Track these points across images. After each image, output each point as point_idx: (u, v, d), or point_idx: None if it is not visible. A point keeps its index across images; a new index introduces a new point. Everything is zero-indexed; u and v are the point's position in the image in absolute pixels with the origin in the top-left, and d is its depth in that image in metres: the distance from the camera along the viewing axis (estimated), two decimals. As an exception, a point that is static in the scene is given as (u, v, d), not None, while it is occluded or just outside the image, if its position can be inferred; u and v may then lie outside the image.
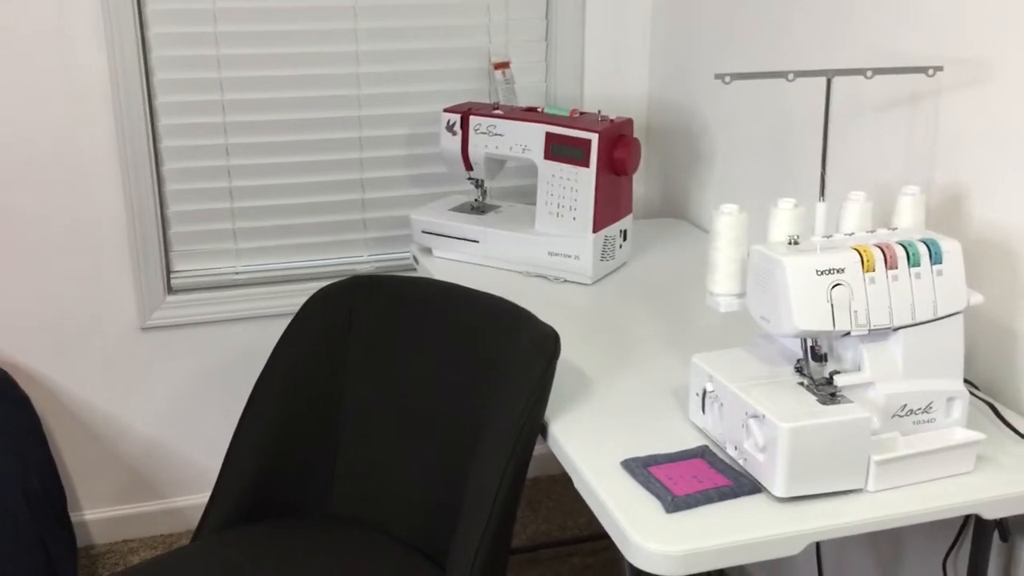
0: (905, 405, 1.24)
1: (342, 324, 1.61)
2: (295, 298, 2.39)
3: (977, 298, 1.28)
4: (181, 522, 2.45)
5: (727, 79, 1.29)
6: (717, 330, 1.69)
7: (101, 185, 2.20)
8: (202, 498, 2.45)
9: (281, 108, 2.28)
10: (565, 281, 1.92)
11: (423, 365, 1.58)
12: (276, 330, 2.40)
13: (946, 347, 1.27)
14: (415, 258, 2.10)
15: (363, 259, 2.43)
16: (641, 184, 2.54)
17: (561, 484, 2.63)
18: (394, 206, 2.42)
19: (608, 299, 1.84)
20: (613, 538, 1.18)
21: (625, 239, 2.00)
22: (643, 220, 2.35)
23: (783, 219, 1.32)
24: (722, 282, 1.34)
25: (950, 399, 1.26)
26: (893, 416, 1.24)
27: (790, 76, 1.31)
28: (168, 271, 2.32)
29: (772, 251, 1.24)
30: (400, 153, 2.39)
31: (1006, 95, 1.40)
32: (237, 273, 2.37)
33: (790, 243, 1.26)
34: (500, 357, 1.45)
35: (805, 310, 1.20)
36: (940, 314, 1.25)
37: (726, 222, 1.32)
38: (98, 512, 2.39)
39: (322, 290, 1.64)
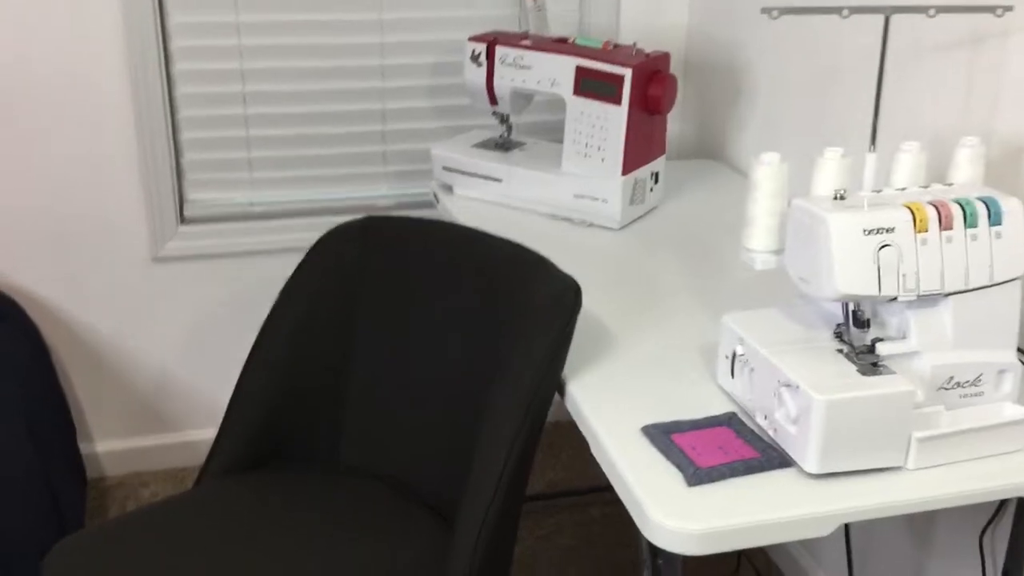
0: (952, 377, 1.15)
1: (352, 265, 1.52)
2: (311, 232, 2.29)
3: (1038, 263, 1.17)
4: (193, 456, 2.41)
5: (775, 13, 1.17)
6: (752, 287, 1.59)
7: (112, 110, 2.11)
8: (212, 432, 2.41)
9: (299, 31, 2.17)
10: (591, 225, 1.82)
11: (436, 312, 1.49)
12: (292, 265, 2.31)
13: (1000, 315, 1.16)
14: (435, 196, 2.01)
15: (382, 194, 2.34)
16: (675, 122, 2.42)
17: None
18: (416, 139, 2.32)
19: (636, 246, 1.74)
20: (629, 511, 1.10)
21: (657, 182, 1.89)
22: (676, 161, 2.23)
23: (829, 170, 1.21)
24: (759, 237, 1.24)
25: (1001, 371, 1.17)
26: (939, 389, 1.14)
27: (844, 12, 1.19)
28: (181, 200, 2.24)
29: (816, 206, 1.13)
30: (423, 83, 2.28)
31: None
32: (252, 205, 2.29)
33: (836, 197, 1.15)
34: (518, 308, 1.36)
35: (849, 272, 1.10)
36: (996, 280, 1.15)
37: (765, 172, 1.22)
38: (109, 444, 2.35)
39: (332, 230, 1.55)
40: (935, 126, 1.54)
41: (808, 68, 1.88)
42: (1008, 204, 1.14)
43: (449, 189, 1.98)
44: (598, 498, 2.32)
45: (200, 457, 2.42)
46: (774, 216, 1.23)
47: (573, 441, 2.52)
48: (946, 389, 1.15)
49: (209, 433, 2.41)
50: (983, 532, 1.48)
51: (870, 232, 1.11)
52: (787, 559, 2.07)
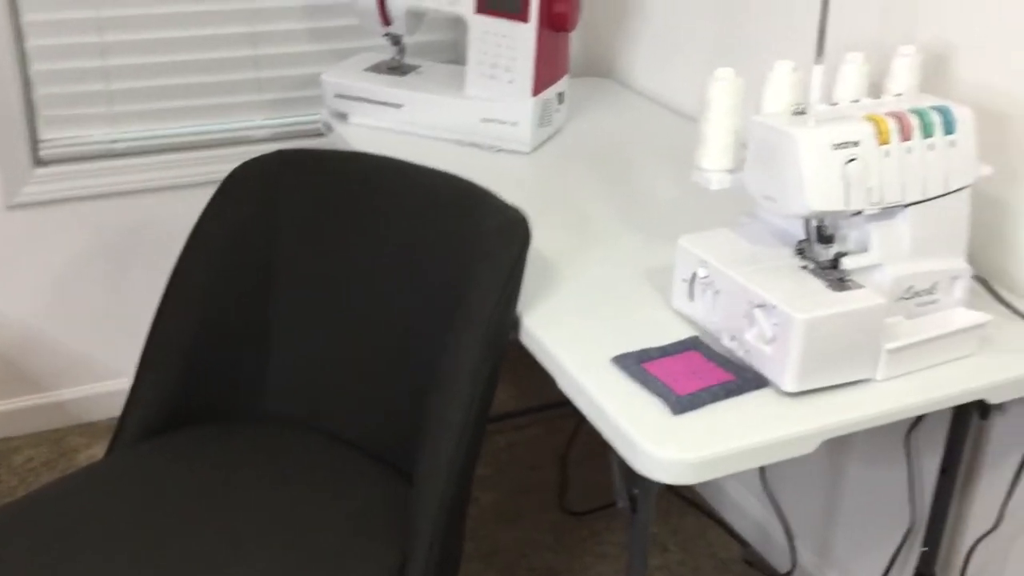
0: (911, 287, 1.16)
1: (269, 205, 1.41)
2: (182, 169, 2.15)
3: (987, 170, 1.20)
4: (67, 416, 2.24)
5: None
6: (675, 204, 1.57)
7: (-52, 40, 1.88)
8: (88, 390, 2.24)
9: (159, -50, 1.98)
10: (500, 150, 1.75)
11: (368, 253, 1.40)
12: (162, 206, 2.16)
13: (953, 223, 1.18)
14: (326, 124, 1.89)
15: (258, 124, 2.19)
16: (558, 40, 2.36)
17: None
18: (293, 64, 2.17)
19: (551, 170, 1.69)
20: (614, 446, 1.07)
21: (561, 102, 1.84)
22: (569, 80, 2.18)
23: (781, 85, 1.18)
24: (714, 156, 1.21)
25: (954, 278, 1.19)
26: (899, 299, 1.16)
27: (794, -80, 1.15)
28: (35, 140, 2.03)
29: (779, 123, 1.11)
30: (296, 3, 2.13)
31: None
32: (115, 141, 2.10)
33: (796, 113, 1.13)
34: (460, 245, 1.29)
35: (819, 188, 1.09)
36: (951, 188, 1.16)
37: (722, 88, 1.18)
38: (-29, 411, 2.15)
39: (244, 165, 1.43)
40: (853, 36, 1.54)
41: (706, -20, 1.85)
42: (961, 112, 1.15)
43: (343, 117, 1.86)
44: (501, 427, 2.30)
45: (75, 417, 2.25)
46: (730, 134, 1.20)
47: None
48: (905, 299, 1.16)
49: (82, 391, 2.23)
50: (908, 433, 1.53)
51: (838, 147, 1.09)
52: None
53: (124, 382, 2.25)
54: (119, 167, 2.10)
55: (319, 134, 2.16)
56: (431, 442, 1.20)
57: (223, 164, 2.12)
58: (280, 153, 1.43)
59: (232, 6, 2.07)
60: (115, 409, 2.27)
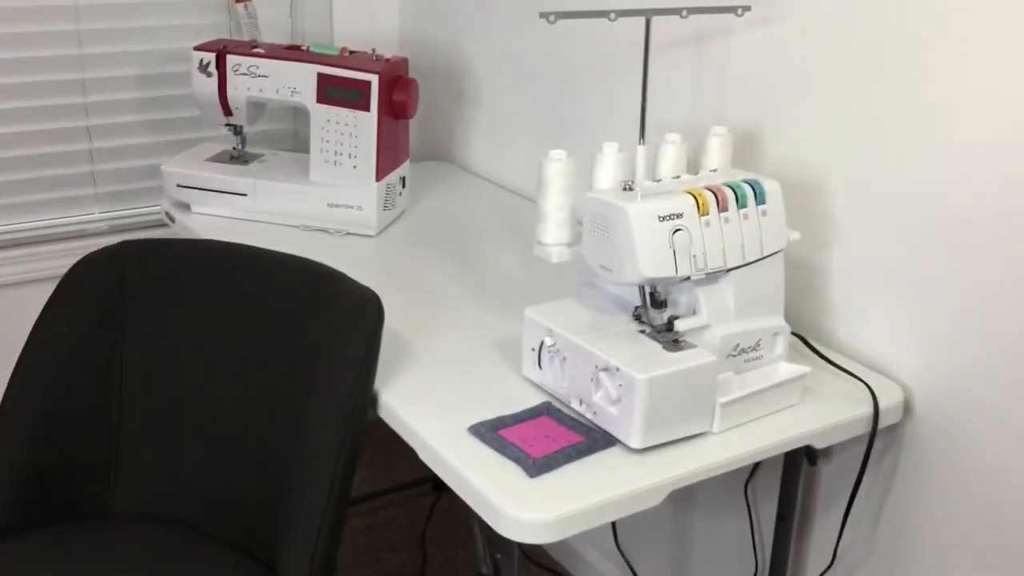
0: (738, 344, 1.26)
1: (114, 298, 1.40)
2: (14, 266, 2.09)
3: (795, 235, 1.32)
4: None
5: (552, 18, 1.22)
6: (518, 277, 1.64)
7: None
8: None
9: (-13, 46, 1.95)
10: (348, 234, 1.80)
11: (220, 340, 1.41)
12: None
13: (770, 285, 1.30)
14: (168, 215, 1.89)
15: (94, 217, 2.16)
16: (396, 126, 2.44)
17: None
18: (129, 156, 2.16)
19: (397, 251, 1.74)
20: (476, 510, 1.11)
21: (404, 186, 1.90)
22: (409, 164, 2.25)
23: (609, 164, 1.28)
24: (553, 231, 1.29)
25: (775, 334, 1.30)
26: (728, 356, 1.26)
27: (612, 16, 1.26)
28: None
29: (612, 198, 1.20)
30: (131, 96, 2.13)
31: (792, 34, 1.43)
32: (-58, 240, 2.03)
33: (625, 188, 1.23)
34: (313, 326, 1.32)
35: (650, 257, 1.18)
36: (766, 252, 1.28)
37: (556, 168, 1.27)
38: None
39: (85, 258, 1.42)
40: (668, 118, 1.67)
41: (531, 69, 1.97)
42: (769, 185, 1.28)
43: (186, 207, 1.87)
44: (357, 510, 2.29)
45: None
46: (564, 210, 1.28)
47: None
48: (733, 356, 1.26)
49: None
50: (746, 483, 1.64)
51: (664, 218, 1.19)
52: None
53: (-46, 491, 2.13)
54: (-54, 266, 2.03)
55: (160, 225, 2.15)
56: (292, 528, 1.21)
57: (60, 259, 2.07)
58: (125, 244, 1.43)
59: (65, 101, 2.05)
60: (-55, 521, 2.14)
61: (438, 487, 2.30)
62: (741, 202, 1.25)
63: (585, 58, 1.85)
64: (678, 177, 1.29)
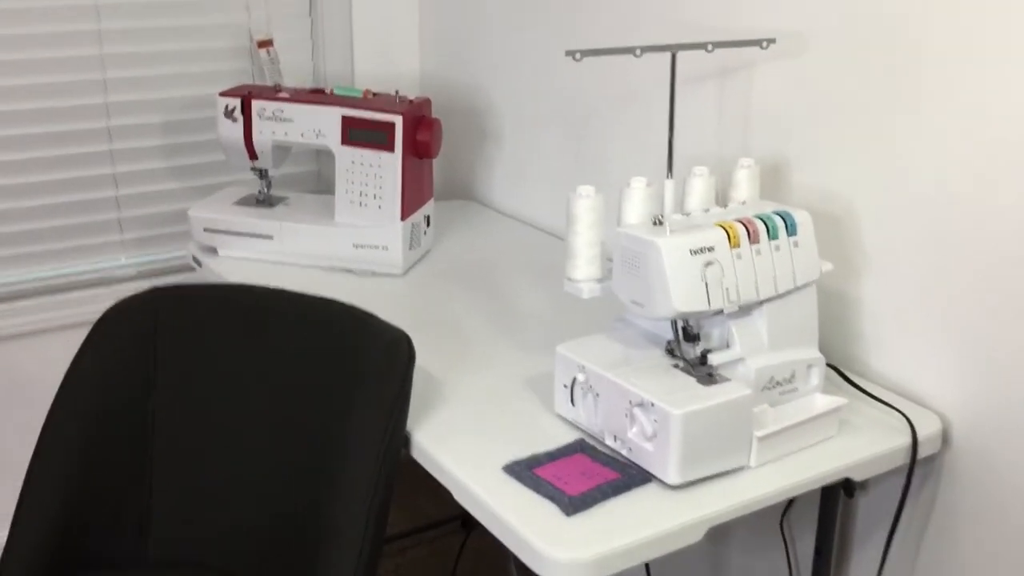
0: (772, 377, 1.25)
1: (146, 344, 1.41)
2: (42, 313, 2.10)
3: (827, 266, 1.31)
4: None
5: (578, 56, 1.23)
6: (547, 314, 1.64)
7: None
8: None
9: (11, 98, 1.98)
10: (374, 274, 1.80)
11: (251, 385, 1.41)
12: (24, 353, 2.10)
13: (804, 316, 1.29)
14: (196, 259, 1.90)
15: (121, 264, 2.18)
16: (418, 166, 2.45)
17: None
18: (155, 202, 2.18)
19: (423, 290, 1.74)
20: (514, 550, 1.10)
21: (429, 225, 1.90)
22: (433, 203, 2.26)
23: (637, 199, 1.28)
24: (583, 267, 1.29)
25: (810, 366, 1.29)
26: (763, 389, 1.24)
27: (637, 52, 1.27)
28: None
29: (642, 233, 1.20)
30: (157, 143, 2.15)
31: (816, 65, 1.43)
32: (-29, 289, 2.04)
33: (655, 223, 1.23)
34: (346, 369, 1.32)
35: (682, 292, 1.18)
36: (799, 284, 1.27)
37: (585, 205, 1.27)
38: None
39: (117, 305, 1.42)
40: (692, 152, 1.67)
41: (553, 106, 1.98)
42: (800, 216, 1.27)
43: (213, 251, 1.88)
44: (386, 550, 2.28)
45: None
46: (594, 246, 1.28)
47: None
48: (768, 389, 1.25)
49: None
50: (782, 518, 1.62)
51: (696, 252, 1.19)
52: None
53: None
54: (-25, 315, 2.04)
55: (187, 269, 2.16)
56: (327, 571, 1.20)
57: (88, 306, 2.09)
58: (155, 290, 1.43)
59: (91, 149, 2.07)
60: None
61: (466, 525, 2.28)
62: (772, 234, 1.25)
63: (607, 93, 1.85)
64: (708, 210, 1.29)
